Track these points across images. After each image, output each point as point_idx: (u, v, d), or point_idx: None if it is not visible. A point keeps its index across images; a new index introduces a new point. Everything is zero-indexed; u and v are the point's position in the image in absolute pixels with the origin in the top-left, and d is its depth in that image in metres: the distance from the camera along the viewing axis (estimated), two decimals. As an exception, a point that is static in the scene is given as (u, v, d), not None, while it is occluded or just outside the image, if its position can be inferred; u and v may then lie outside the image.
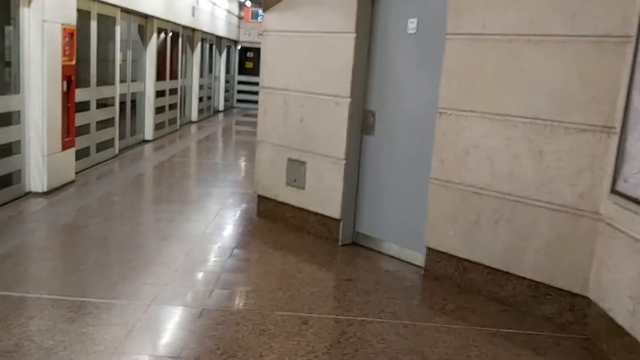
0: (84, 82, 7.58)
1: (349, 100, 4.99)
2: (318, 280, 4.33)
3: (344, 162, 5.08)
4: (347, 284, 4.32)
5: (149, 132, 10.76)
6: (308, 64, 5.28)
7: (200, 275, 4.30)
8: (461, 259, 4.33)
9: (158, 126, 11.17)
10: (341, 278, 4.46)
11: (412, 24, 4.67)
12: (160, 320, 3.55)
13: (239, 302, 3.86)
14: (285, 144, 5.55)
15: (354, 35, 4.89)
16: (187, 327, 3.44)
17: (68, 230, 5.22)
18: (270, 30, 5.62)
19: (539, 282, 3.91)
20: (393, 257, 4.94)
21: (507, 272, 4.07)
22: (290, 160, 5.51)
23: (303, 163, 5.40)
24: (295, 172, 5.47)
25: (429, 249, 4.54)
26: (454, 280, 4.39)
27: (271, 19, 5.61)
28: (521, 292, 4.02)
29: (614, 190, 3.42)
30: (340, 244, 5.20)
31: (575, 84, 3.63)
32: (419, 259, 4.71)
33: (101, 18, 8.01)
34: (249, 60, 20.14)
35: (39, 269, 4.20)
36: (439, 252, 4.47)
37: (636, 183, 3.20)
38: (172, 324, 3.52)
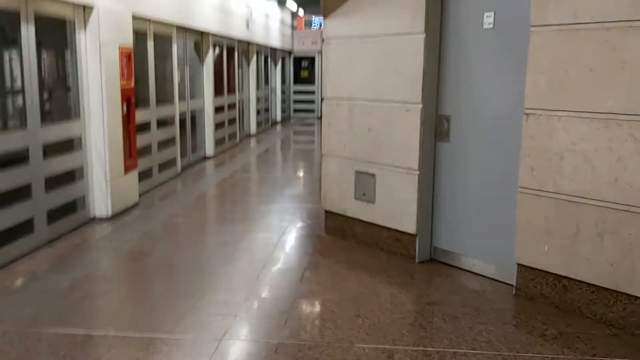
0: (143, 103, 7.52)
1: (420, 105, 4.61)
2: (398, 305, 3.96)
3: (417, 172, 4.70)
4: (431, 308, 3.93)
5: (209, 149, 10.69)
6: (374, 69, 4.93)
7: (272, 303, 4.02)
8: (559, 276, 3.86)
9: (218, 142, 11.09)
10: (424, 301, 4.07)
11: (488, 19, 4.25)
12: (234, 357, 3.28)
13: (315, 334, 3.54)
14: (353, 156, 5.21)
15: (423, 35, 4.52)
16: (263, 365, 3.16)
17: (133, 258, 5.06)
18: (331, 37, 5.31)
19: (656, 302, 3.41)
20: (476, 274, 4.51)
21: (615, 291, 3.58)
22: (358, 172, 5.18)
23: (372, 175, 5.05)
24: (365, 185, 5.13)
25: (520, 265, 4.09)
26: (551, 301, 3.93)
27: (332, 25, 5.30)
28: (633, 313, 3.52)
29: None
30: (417, 261, 4.81)
31: (693, 73, 3.14)
32: (507, 276, 4.26)
33: (157, 37, 7.95)
34: (303, 69, 19.98)
35: (105, 302, 4.03)
36: (532, 268, 4.01)
37: None
38: (245, 362, 3.24)
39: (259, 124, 14.94)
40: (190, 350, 3.30)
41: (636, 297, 3.49)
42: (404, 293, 4.20)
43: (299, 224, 6.08)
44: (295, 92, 19.99)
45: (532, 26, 3.82)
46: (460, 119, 4.56)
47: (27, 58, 4.93)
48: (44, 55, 5.47)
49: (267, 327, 3.62)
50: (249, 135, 14.13)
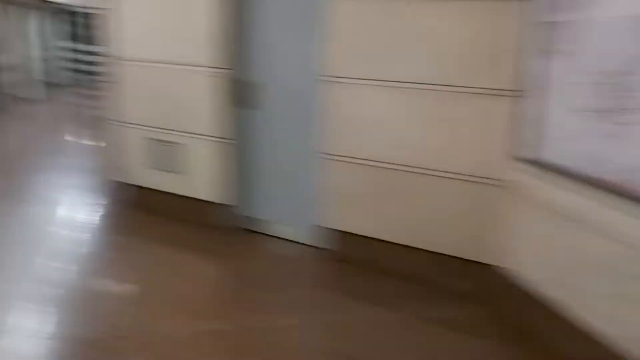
0: None
1: (222, 71, 4.42)
2: (211, 279, 3.85)
3: (220, 140, 4.54)
4: (245, 279, 3.87)
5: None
6: (173, 31, 4.59)
7: (65, 293, 3.59)
8: (364, 237, 4.06)
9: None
10: (237, 273, 3.98)
11: (288, -17, 4.18)
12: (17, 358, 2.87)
13: (118, 321, 3.25)
14: (150, 123, 4.86)
15: (222, -4, 4.31)
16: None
17: None
18: (119, -7, 4.81)
19: (447, 255, 3.76)
20: (289, 240, 4.54)
21: (413, 248, 3.88)
22: (158, 141, 4.85)
23: (173, 143, 4.77)
24: (166, 154, 4.83)
25: (326, 228, 4.22)
26: (359, 261, 4.11)
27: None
28: (430, 268, 3.85)
29: (517, 156, 3.30)
30: (227, 231, 4.69)
31: (473, 47, 3.43)
32: (317, 240, 4.37)
33: None
34: (84, 27, 18.21)
35: None
36: (337, 231, 4.17)
37: (538, 147, 3.10)
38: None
39: (45, 87, 13.31)
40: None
41: (431, 252, 3.81)
42: (216, 266, 4.08)
43: (90, 199, 5.54)
44: (89, 53, 18.14)
45: (333, -6, 3.85)
46: (265, 86, 4.47)
47: None
48: None
49: (64, 321, 3.23)
50: (34, 101, 12.54)
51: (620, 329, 2.64)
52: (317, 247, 4.37)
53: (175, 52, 4.60)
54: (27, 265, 3.97)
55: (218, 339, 3.07)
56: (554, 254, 3.08)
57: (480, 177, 3.54)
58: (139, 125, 4.93)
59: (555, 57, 2.96)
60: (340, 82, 3.90)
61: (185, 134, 4.70)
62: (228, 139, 4.55)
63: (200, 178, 4.70)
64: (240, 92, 4.54)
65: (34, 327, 3.14)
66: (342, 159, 4.00)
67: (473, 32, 3.41)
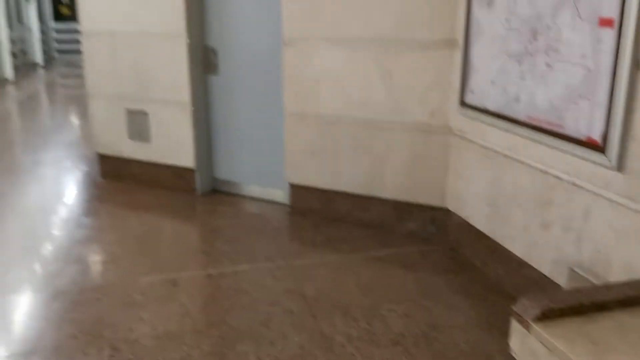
0: None
1: (185, 38, 4.58)
2: (182, 237, 4.07)
3: (189, 106, 4.73)
4: (213, 235, 4.11)
5: (-45, 99, 9.34)
6: (136, 1, 4.73)
7: (45, 253, 3.82)
8: (324, 190, 4.29)
9: (-34, 90, 9.73)
10: (206, 230, 4.23)
11: (242, -50, 4.33)
12: (8, 313, 3.10)
13: (96, 276, 3.49)
14: (121, 93, 5.03)
15: (181, -35, 4.45)
16: (42, 315, 3.03)
17: None
18: (82, -34, 4.94)
19: (401, 201, 4.00)
20: (256, 199, 4.79)
21: (370, 197, 4.11)
22: (129, 111, 5.03)
23: (145, 113, 4.95)
24: (138, 123, 5.01)
25: (291, 185, 4.44)
26: (320, 213, 4.35)
27: (82, -46, 4.92)
28: (386, 214, 4.09)
29: (462, 103, 3.51)
30: (199, 194, 4.92)
31: (416, 0, 3.61)
32: (283, 197, 4.60)
33: None
34: (64, 5, 18.15)
35: None
36: (302, 187, 4.39)
37: (482, 93, 3.30)
38: (22, 315, 3.08)
39: (16, 68, 13.35)
40: (-48, 314, 3.04)
41: (387, 200, 4.05)
42: (187, 225, 4.31)
43: (73, 172, 5.75)
44: (58, 31, 18.15)
45: (283, -43, 4.01)
46: (227, 50, 4.65)
47: None
48: None
49: (43, 279, 3.46)
50: (6, 82, 12.60)
51: (538, 252, 2.89)
52: (280, 203, 4.61)
53: (140, 21, 4.75)
54: (17, 230, 4.19)
55: (175, 285, 3.31)
56: (490, 191, 3.32)
57: (430, 125, 3.76)
58: (111, 96, 5.09)
59: (489, 5, 3.15)
60: (295, 43, 4.08)
61: (153, 102, 4.87)
62: (195, 105, 4.73)
63: (170, 144, 4.90)
64: (204, 59, 4.71)
65: (27, 281, 3.37)
66: (301, 117, 4.20)
67: (415, -12, 3.59)
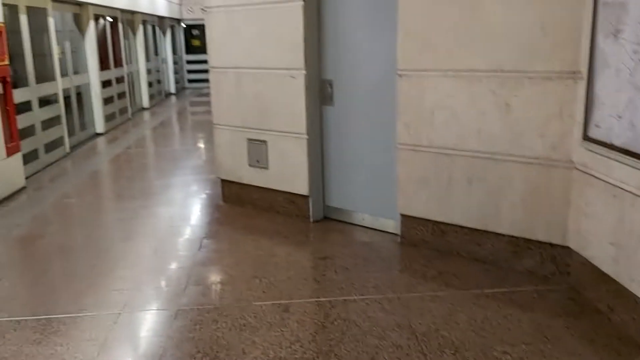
0: (22, 81, 7.14)
1: (303, 71, 4.77)
2: (294, 263, 4.18)
3: (305, 136, 4.89)
4: (324, 262, 4.18)
5: (99, 125, 10.34)
6: (258, 37, 5.01)
7: (170, 273, 4.10)
8: (437, 222, 4.23)
9: (108, 117, 10.73)
10: (317, 257, 4.31)
11: (360, -15, 4.45)
12: (133, 328, 3.35)
13: (214, 297, 3.68)
14: (243, 124, 5.31)
15: (302, 3, 4.64)
16: (163, 332, 3.25)
17: (24, 242, 4.92)
18: (214, 6, 5.31)
19: (518, 237, 3.84)
20: (367, 227, 4.82)
21: (485, 231, 3.99)
22: (250, 140, 5.29)
23: (264, 142, 5.18)
24: (257, 152, 5.26)
25: (403, 215, 4.43)
26: (432, 245, 4.30)
27: (213, -6, 5.30)
28: (501, 249, 3.95)
29: (586, 137, 3.33)
30: (311, 220, 5.05)
31: (537, 31, 3.50)
32: (394, 226, 4.60)
33: (32, 10, 7.51)
34: (195, 38, 19.53)
35: (-3, 288, 3.93)
36: (413, 217, 4.36)
37: (608, 127, 3.11)
38: (146, 331, 3.32)
39: (151, 96, 14.54)
40: (88, 325, 3.34)
41: (503, 235, 3.91)
42: (299, 251, 4.42)
43: (197, 195, 6.13)
44: (188, 62, 19.55)
45: (400, -9, 4.06)
46: (342, 82, 4.77)
47: None
48: None
49: (166, 297, 3.71)
50: (142, 109, 13.76)
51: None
52: (391, 233, 4.60)
53: (263, 58, 5.01)
54: (147, 250, 4.54)
55: (286, 311, 3.40)
56: (617, 230, 3.10)
57: (550, 159, 3.60)
58: (234, 126, 5.39)
59: (615, 36, 2.98)
60: (410, 74, 4.10)
61: (272, 132, 5.09)
62: (310, 134, 4.88)
63: (285, 172, 5.08)
64: (320, 90, 4.87)
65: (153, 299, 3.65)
66: (414, 148, 4.19)
67: (537, 15, 3.48)
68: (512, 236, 3.86)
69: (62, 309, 3.55)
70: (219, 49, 5.35)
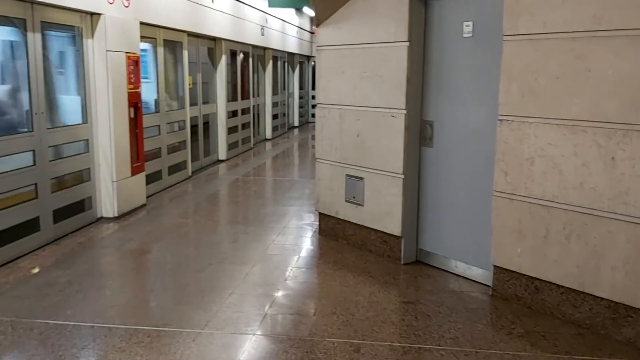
0: (153, 107, 7.81)
1: (404, 111, 4.76)
2: (375, 303, 4.12)
3: (402, 176, 4.85)
4: (406, 306, 4.08)
5: (222, 152, 10.97)
6: (362, 76, 5.11)
7: (254, 299, 4.22)
8: (531, 277, 3.98)
9: (231, 146, 11.36)
10: (400, 300, 4.22)
11: (467, 28, 4.39)
12: (209, 348, 3.48)
13: (290, 328, 3.73)
14: (343, 160, 5.39)
15: (407, 44, 4.68)
16: (235, 356, 3.35)
17: (132, 256, 5.32)
18: (323, 45, 5.51)
19: (618, 303, 3.50)
20: (459, 275, 4.65)
21: (582, 292, 3.69)
22: (348, 176, 5.35)
23: (361, 179, 5.22)
24: (354, 188, 5.30)
25: (496, 267, 4.22)
26: (524, 301, 4.04)
27: (324, 34, 5.49)
28: (598, 314, 3.62)
29: (700, 200, 2.99)
30: (402, 262, 4.96)
31: (649, 81, 3.24)
32: (486, 277, 4.39)
33: (168, 43, 8.23)
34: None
35: (98, 296, 4.27)
36: (507, 270, 4.13)
37: None
38: (219, 352, 3.43)
39: (275, 128, 15.20)
40: (170, 340, 3.51)
41: (601, 298, 3.59)
42: (384, 292, 4.35)
43: (296, 226, 6.27)
44: (314, 97, 20.22)
45: (505, 35, 3.95)
46: (443, 124, 4.70)
47: (33, 65, 5.23)
48: (51, 60, 5.77)
49: (246, 322, 3.81)
50: (264, 139, 14.41)
51: None
52: (482, 284, 4.40)
53: (365, 98, 5.08)
54: (238, 274, 4.73)
55: (357, 351, 3.34)
56: None
57: (659, 221, 3.27)
58: (334, 162, 5.50)
59: None
60: (511, 120, 3.95)
61: (369, 170, 5.11)
62: (406, 175, 4.84)
63: (380, 211, 5.06)
64: (420, 131, 4.82)
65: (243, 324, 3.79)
66: (512, 197, 4.00)
67: (650, 67, 3.23)
68: (612, 301, 3.53)
69: (150, 322, 3.77)
70: (326, 87, 5.51)
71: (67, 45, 6.12)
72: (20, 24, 5.13)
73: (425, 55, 4.76)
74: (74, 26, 5.93)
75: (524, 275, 4.03)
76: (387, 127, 4.92)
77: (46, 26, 5.47)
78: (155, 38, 7.78)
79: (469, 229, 4.57)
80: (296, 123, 18.28)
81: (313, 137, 16.08)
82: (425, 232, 4.95)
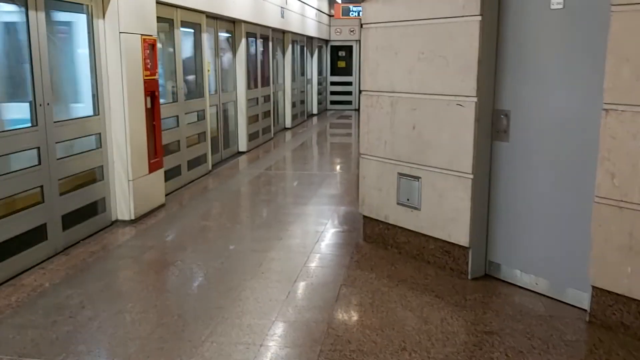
0: (170, 97, 7.09)
1: (474, 99, 4.00)
2: (452, 335, 3.38)
3: (470, 176, 4.10)
4: (490, 339, 3.33)
5: (242, 144, 10.26)
6: (420, 58, 4.34)
7: (302, 329, 3.49)
8: (630, 299, 3.23)
9: (252, 136, 10.64)
10: (481, 330, 3.47)
11: (557, -3, 3.61)
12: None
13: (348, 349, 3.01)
14: (395, 156, 4.64)
15: (479, 18, 3.90)
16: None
17: (153, 269, 4.62)
18: (371, 22, 4.73)
19: None
20: (541, 294, 3.90)
21: None
22: (401, 175, 4.60)
23: (417, 179, 4.47)
24: (408, 189, 4.56)
25: (595, 288, 3.47)
26: (634, 332, 3.30)
27: (372, 9, 4.72)
28: None
29: None
30: (469, 277, 4.23)
31: None
32: (579, 299, 3.65)
33: (186, 25, 7.49)
34: (341, 59, 19.36)
35: (116, 324, 3.57)
36: (610, 293, 3.38)
37: None
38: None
39: (294, 116, 14.45)
40: (205, 391, 2.82)
41: None
42: (457, 318, 3.62)
43: (335, 230, 5.55)
44: (332, 84, 19.41)
45: (614, 5, 3.17)
46: (522, 115, 3.93)
47: (36, 49, 4.51)
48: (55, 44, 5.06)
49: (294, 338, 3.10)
50: (284, 129, 13.67)
51: None
52: (576, 307, 3.66)
53: (424, 82, 4.32)
54: (278, 294, 4.02)
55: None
56: None
57: None
58: (384, 158, 4.75)
59: None
60: (622, 110, 3.18)
61: (428, 168, 4.36)
62: (476, 174, 4.09)
63: (441, 216, 4.31)
64: (493, 123, 4.06)
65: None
66: (621, 204, 3.24)
67: None
68: None
69: (180, 362, 3.07)
70: (374, 70, 4.74)
71: (75, 26, 5.39)
72: (20, 2, 4.40)
73: (501, 31, 3.98)
74: (82, 4, 5.20)
75: (635, 300, 3.28)
76: (451, 118, 4.16)
77: (51, 4, 4.74)
78: (172, 19, 7.03)
79: (556, 240, 3.81)
80: (315, 111, 17.50)
81: (332, 126, 15.34)
82: (497, 241, 4.20)
